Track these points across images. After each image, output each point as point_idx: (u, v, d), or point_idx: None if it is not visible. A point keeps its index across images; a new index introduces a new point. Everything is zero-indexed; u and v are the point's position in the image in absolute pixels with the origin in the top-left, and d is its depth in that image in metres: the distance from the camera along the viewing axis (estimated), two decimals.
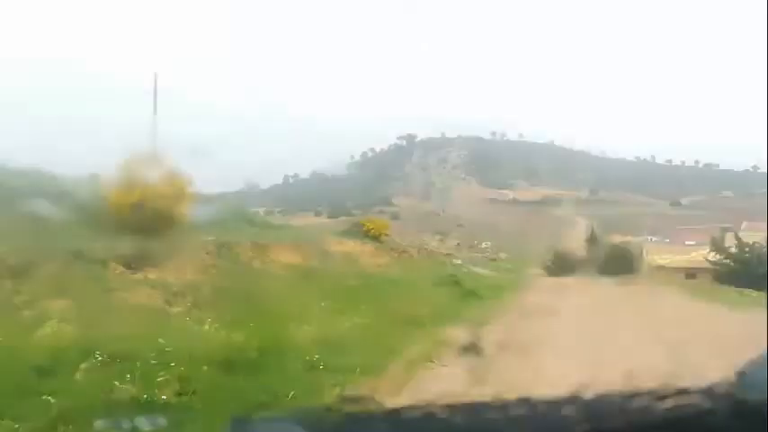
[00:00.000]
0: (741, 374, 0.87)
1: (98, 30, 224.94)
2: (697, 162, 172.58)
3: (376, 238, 28.75)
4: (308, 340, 8.88)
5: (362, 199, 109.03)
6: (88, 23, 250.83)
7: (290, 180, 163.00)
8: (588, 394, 0.82)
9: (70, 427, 4.90)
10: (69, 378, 6.23)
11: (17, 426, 4.87)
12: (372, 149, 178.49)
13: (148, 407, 5.48)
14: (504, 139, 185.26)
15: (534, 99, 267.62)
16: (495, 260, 54.21)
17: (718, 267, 35.60)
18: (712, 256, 36.92)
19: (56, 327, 8.29)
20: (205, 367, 6.73)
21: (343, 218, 61.36)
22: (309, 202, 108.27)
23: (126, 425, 2.84)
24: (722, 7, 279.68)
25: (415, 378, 7.65)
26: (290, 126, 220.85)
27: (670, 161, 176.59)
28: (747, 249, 34.80)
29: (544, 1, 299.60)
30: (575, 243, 53.65)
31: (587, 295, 21.69)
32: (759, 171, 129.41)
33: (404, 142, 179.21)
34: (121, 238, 13.31)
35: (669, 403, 0.79)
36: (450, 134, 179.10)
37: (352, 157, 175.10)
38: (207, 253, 14.98)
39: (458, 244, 72.66)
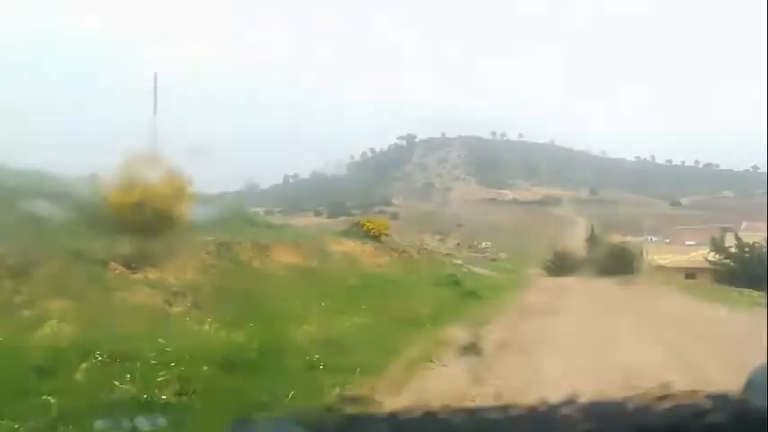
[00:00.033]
0: (747, 381, 0.87)
1: (98, 30, 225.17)
2: (697, 162, 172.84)
3: (376, 238, 28.76)
4: (308, 340, 8.87)
5: (362, 199, 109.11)
6: (88, 23, 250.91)
7: (290, 180, 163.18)
8: (588, 395, 0.82)
9: (70, 427, 4.89)
10: (69, 378, 6.22)
11: (17, 426, 4.86)
12: (372, 149, 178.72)
13: (148, 407, 5.47)
14: (504, 139, 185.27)
15: (534, 99, 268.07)
16: (494, 260, 54.25)
17: (718, 267, 35.63)
18: (712, 256, 36.94)
19: (56, 327, 8.29)
20: (205, 367, 6.73)
21: (343, 218, 61.45)
22: (309, 202, 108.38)
23: (126, 425, 2.84)
24: (722, 8, 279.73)
25: (415, 378, 7.64)
26: (291, 126, 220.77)
27: (670, 161, 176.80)
28: (747, 249, 34.82)
29: (544, 1, 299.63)
30: (575, 243, 53.70)
31: (587, 295, 21.70)
32: (759, 171, 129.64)
33: (404, 142, 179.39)
34: (121, 238, 13.31)
35: (669, 404, 0.79)
36: (451, 134, 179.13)
37: (352, 157, 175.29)
38: (207, 253, 14.98)
39: (458, 244, 72.68)
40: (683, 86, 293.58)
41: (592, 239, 52.81)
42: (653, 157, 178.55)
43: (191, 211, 16.62)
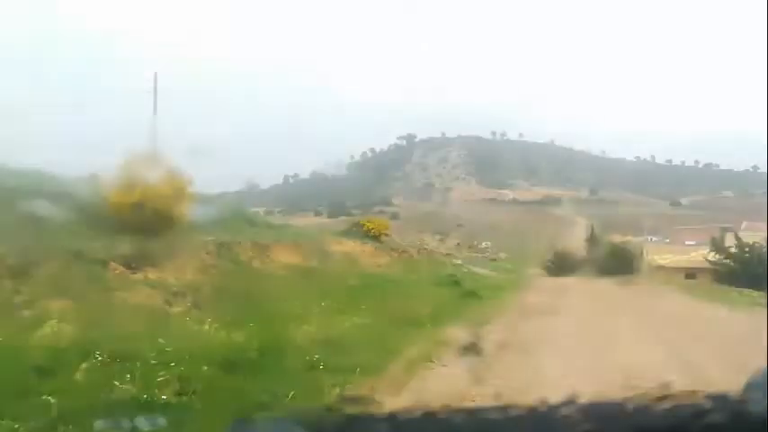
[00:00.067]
0: (747, 381, 0.87)
1: (98, 30, 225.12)
2: (697, 162, 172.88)
3: (376, 238, 28.76)
4: (307, 340, 8.87)
5: (362, 199, 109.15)
6: (88, 23, 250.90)
7: (290, 180, 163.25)
8: (588, 395, 0.82)
9: (70, 427, 4.89)
10: (69, 378, 6.22)
11: (17, 426, 4.86)
12: (372, 149, 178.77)
13: (148, 407, 5.47)
14: (504, 138, 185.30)
15: (534, 99, 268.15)
16: (494, 260, 54.27)
17: (718, 267, 35.62)
18: (712, 256, 36.93)
19: (56, 327, 8.28)
20: (205, 367, 6.73)
21: (343, 218, 61.47)
22: (309, 202, 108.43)
23: (126, 425, 2.84)
24: (722, 8, 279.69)
25: (415, 378, 7.64)
26: (291, 126, 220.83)
27: (670, 161, 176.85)
28: (747, 249, 34.82)
29: (545, 0, 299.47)
30: (575, 243, 53.70)
31: (587, 295, 21.70)
32: (759, 171, 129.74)
33: (404, 142, 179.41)
34: (121, 238, 13.31)
35: (669, 404, 0.79)
36: (451, 134, 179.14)
37: (352, 157, 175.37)
38: (207, 253, 14.97)
39: (458, 244, 72.70)
40: (683, 86, 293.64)
41: (592, 239, 52.84)
42: (653, 157, 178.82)
43: (191, 211, 16.62)
